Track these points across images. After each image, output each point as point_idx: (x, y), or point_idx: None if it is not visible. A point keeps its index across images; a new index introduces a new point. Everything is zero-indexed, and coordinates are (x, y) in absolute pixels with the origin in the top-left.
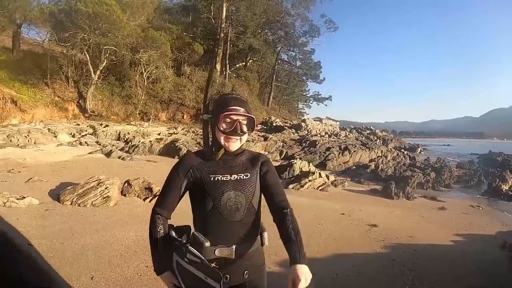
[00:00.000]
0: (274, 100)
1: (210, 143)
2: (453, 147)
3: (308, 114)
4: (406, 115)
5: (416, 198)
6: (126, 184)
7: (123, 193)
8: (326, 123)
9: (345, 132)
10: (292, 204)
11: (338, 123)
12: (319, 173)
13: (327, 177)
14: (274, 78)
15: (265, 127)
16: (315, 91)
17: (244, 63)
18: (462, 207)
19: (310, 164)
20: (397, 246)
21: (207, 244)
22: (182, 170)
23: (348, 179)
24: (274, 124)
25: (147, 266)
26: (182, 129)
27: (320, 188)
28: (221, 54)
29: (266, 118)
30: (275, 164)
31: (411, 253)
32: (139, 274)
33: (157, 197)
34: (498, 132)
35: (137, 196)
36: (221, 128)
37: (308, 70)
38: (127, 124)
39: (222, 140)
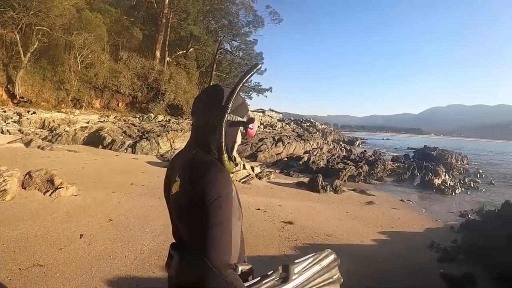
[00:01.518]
0: None
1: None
2: (391, 141)
3: (249, 105)
4: (348, 110)
5: (345, 192)
6: (27, 176)
7: (23, 186)
8: (268, 115)
9: (282, 124)
10: None
11: (281, 115)
12: (243, 165)
13: (252, 169)
14: (214, 67)
15: None
16: (255, 82)
17: (185, 51)
18: (392, 201)
19: (236, 155)
20: (309, 247)
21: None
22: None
23: (277, 171)
24: None
25: (20, 269)
26: (114, 117)
27: (243, 180)
28: (161, 41)
29: None
30: None
31: None
32: (9, 278)
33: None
34: (436, 129)
35: (38, 189)
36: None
37: (249, 60)
38: (57, 112)
39: (235, 150)
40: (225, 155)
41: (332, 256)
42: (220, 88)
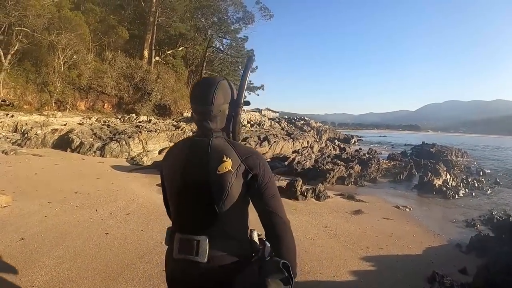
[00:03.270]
0: None
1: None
2: (388, 138)
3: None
4: (345, 108)
5: (330, 198)
6: None
7: None
8: (265, 114)
9: (271, 122)
10: None
11: (277, 114)
12: None
13: None
14: (204, 66)
15: (185, 117)
16: (248, 80)
17: (174, 50)
18: (385, 209)
19: None
20: None
21: None
22: None
23: None
24: None
25: None
26: (97, 119)
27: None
28: (149, 40)
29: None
30: None
31: None
32: None
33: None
34: (433, 125)
35: None
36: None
37: (239, 58)
38: (39, 114)
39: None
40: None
41: None
42: (229, 82)
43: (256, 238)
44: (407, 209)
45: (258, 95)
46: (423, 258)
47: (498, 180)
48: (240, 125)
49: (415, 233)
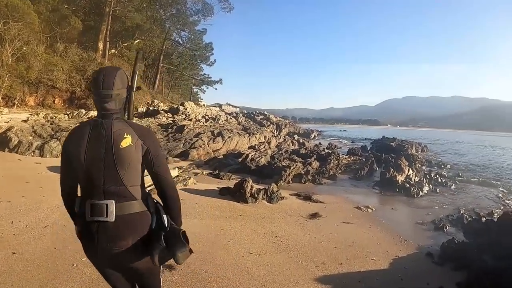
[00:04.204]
0: (166, 83)
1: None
2: (349, 132)
3: (202, 99)
4: (306, 103)
5: (284, 199)
6: None
7: None
8: (225, 109)
9: (227, 116)
10: None
11: (238, 109)
12: None
13: None
14: (161, 59)
15: (140, 112)
16: (205, 74)
17: (130, 42)
18: (345, 210)
19: None
20: None
21: None
22: None
23: (204, 172)
24: (151, 109)
25: None
26: (44, 115)
27: (148, 189)
28: (104, 32)
29: (148, 102)
30: None
31: None
32: None
33: None
34: (392, 120)
35: None
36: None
37: (197, 51)
38: None
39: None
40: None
41: None
42: (124, 72)
43: (151, 198)
44: (369, 210)
45: (216, 89)
46: (391, 274)
47: (460, 174)
48: (133, 106)
49: (379, 240)
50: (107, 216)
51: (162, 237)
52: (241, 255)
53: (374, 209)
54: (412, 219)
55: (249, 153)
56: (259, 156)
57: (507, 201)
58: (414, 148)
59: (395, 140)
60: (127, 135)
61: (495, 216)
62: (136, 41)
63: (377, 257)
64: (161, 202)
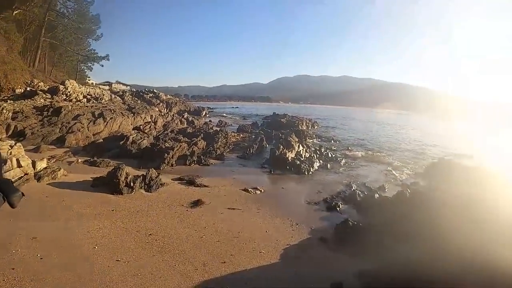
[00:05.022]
0: (49, 60)
1: None
2: (240, 109)
3: (90, 78)
4: (199, 80)
5: (165, 186)
6: None
7: None
8: (115, 87)
9: (111, 96)
10: None
11: (128, 87)
12: (17, 160)
13: (33, 164)
14: (43, 32)
15: (17, 94)
16: (91, 49)
17: (8, 13)
18: (231, 193)
19: (18, 145)
20: None
21: None
22: None
23: (80, 160)
24: (28, 89)
25: None
26: None
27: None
28: None
29: (27, 82)
30: None
31: None
32: None
33: None
34: (284, 97)
35: None
36: None
37: (83, 24)
38: None
39: None
40: None
41: None
42: None
43: None
44: (258, 192)
45: (102, 66)
46: (283, 270)
47: (349, 148)
48: None
49: (269, 226)
50: None
51: None
52: (106, 265)
53: (263, 190)
54: (303, 199)
55: (131, 135)
56: (141, 138)
57: (395, 173)
58: (304, 124)
59: (286, 116)
60: None
61: (386, 190)
62: (16, 12)
63: (266, 249)
64: None
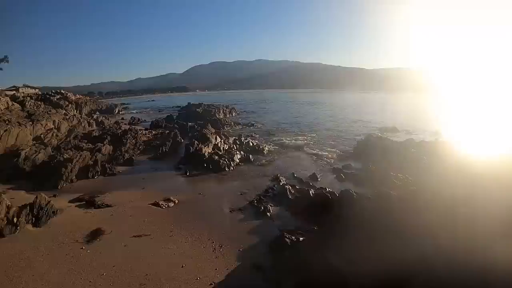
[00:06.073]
0: None
1: None
2: (156, 102)
3: None
4: (112, 76)
5: (59, 214)
6: None
7: None
8: (23, 91)
9: (8, 103)
10: None
11: (37, 90)
12: None
13: None
14: None
15: None
16: None
17: None
18: (140, 211)
19: None
20: None
21: None
22: None
23: None
24: None
25: None
26: None
27: None
28: None
29: None
30: None
31: None
32: None
33: None
34: (200, 86)
35: None
36: None
37: None
38: None
39: None
40: None
41: None
42: None
43: None
44: (171, 204)
45: (1, 69)
46: None
47: (271, 133)
48: None
49: (185, 257)
50: None
51: None
52: None
53: (177, 201)
54: (225, 205)
55: (24, 149)
56: (36, 152)
57: (324, 158)
58: (221, 111)
59: (202, 105)
60: None
61: (319, 179)
62: None
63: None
64: None
